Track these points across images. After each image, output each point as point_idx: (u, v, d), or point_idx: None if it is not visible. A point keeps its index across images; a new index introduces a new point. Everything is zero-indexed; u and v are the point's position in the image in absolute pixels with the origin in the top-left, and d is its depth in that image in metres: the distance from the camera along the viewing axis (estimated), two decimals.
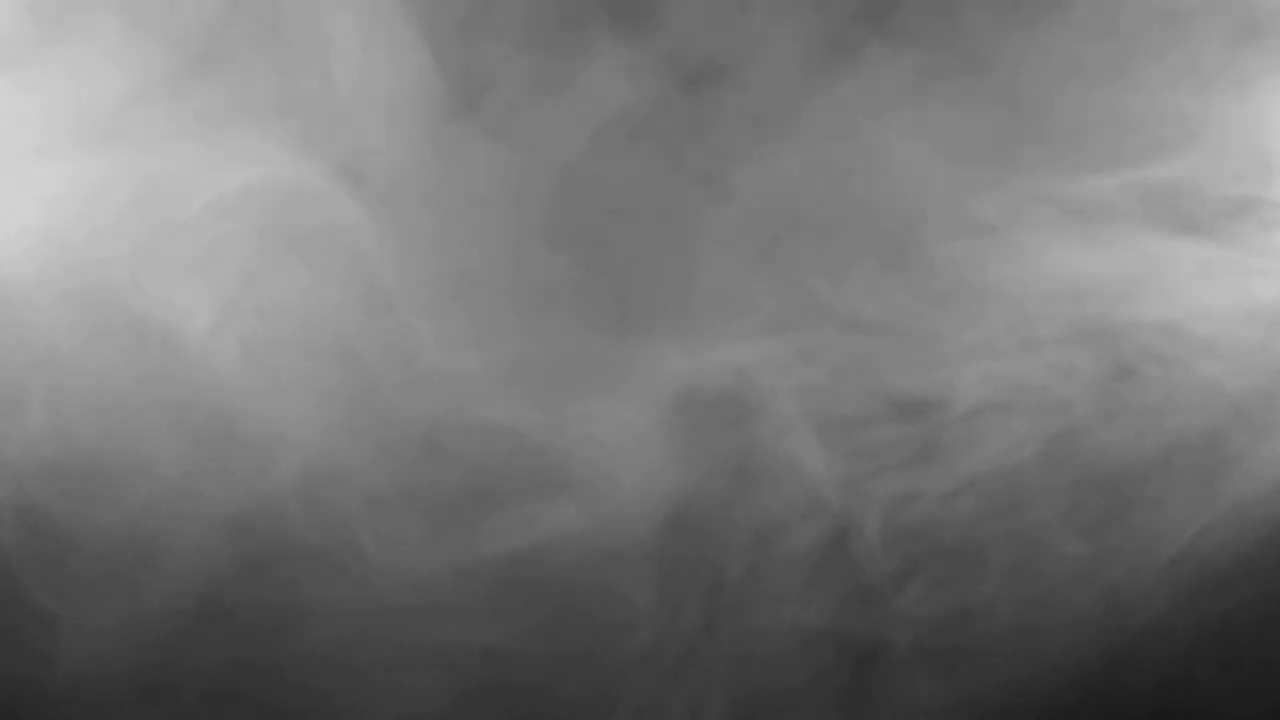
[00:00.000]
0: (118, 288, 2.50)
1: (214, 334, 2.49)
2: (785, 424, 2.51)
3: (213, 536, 2.48)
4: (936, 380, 2.51)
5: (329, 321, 2.52)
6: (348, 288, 2.53)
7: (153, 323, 2.50)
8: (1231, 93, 2.51)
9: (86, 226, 2.50)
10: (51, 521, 2.45)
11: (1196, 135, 2.52)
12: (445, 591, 2.50)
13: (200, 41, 2.54)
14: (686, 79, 2.58)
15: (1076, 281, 2.51)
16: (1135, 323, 2.49)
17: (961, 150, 2.54)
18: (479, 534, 2.50)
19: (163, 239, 2.51)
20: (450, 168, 2.56)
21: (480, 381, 2.51)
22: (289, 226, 2.52)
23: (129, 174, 2.51)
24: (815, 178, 2.56)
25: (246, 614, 2.49)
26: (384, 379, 2.52)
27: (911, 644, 2.48)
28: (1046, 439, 2.48)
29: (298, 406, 2.49)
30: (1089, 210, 2.52)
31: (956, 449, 2.49)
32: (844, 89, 2.56)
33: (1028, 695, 2.49)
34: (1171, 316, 2.48)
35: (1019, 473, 2.49)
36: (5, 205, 2.50)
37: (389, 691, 2.49)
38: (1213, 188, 2.50)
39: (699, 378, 2.52)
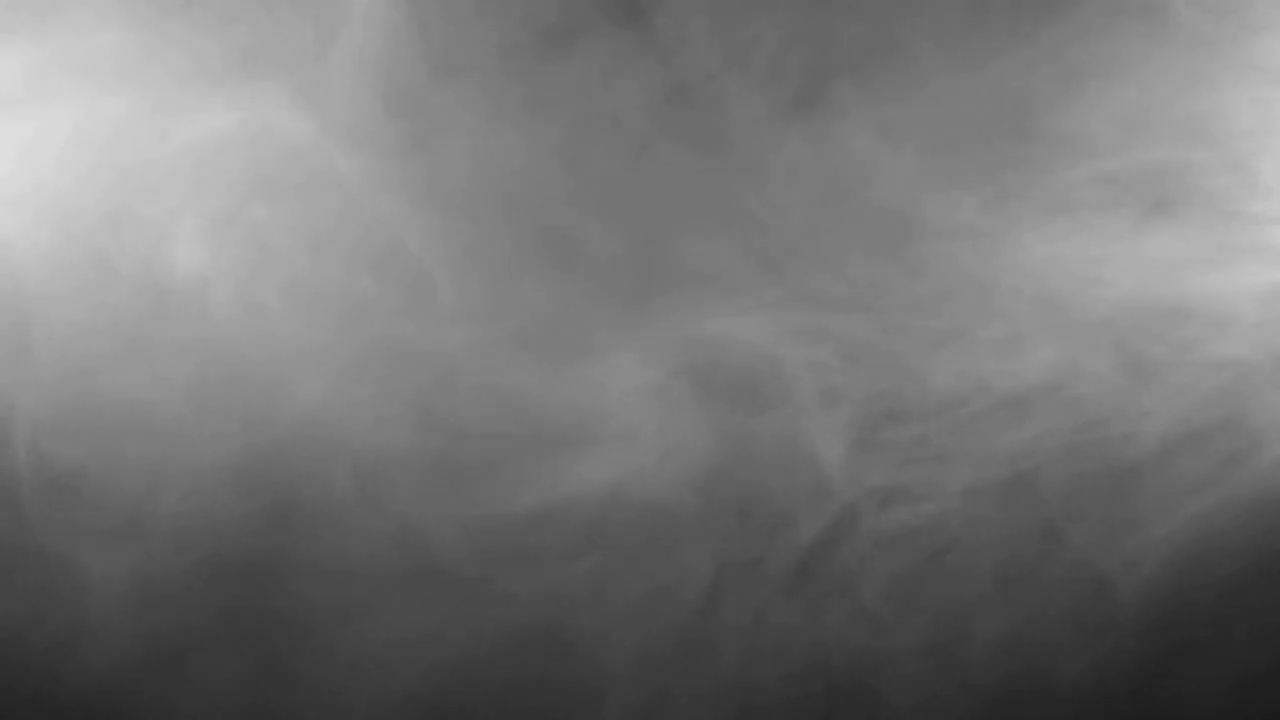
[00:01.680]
0: (109, 234, 2.50)
1: (208, 280, 2.51)
2: (795, 398, 2.51)
3: (218, 486, 2.49)
4: (943, 374, 2.50)
5: (325, 271, 2.52)
6: (344, 238, 2.53)
7: (149, 270, 2.50)
8: (1213, 90, 2.51)
9: (74, 174, 2.51)
10: (64, 472, 2.47)
11: (1183, 132, 2.51)
12: (449, 546, 2.50)
13: None
14: (682, 77, 2.58)
15: (1077, 273, 2.50)
16: (1142, 310, 2.49)
17: (952, 150, 2.54)
18: (482, 493, 2.50)
19: (154, 185, 2.52)
20: (445, 133, 2.55)
21: (485, 341, 2.51)
22: (283, 175, 2.53)
23: (118, 124, 2.51)
24: (812, 175, 2.56)
25: (249, 569, 2.49)
26: (386, 331, 2.51)
27: (902, 648, 2.48)
28: (1057, 432, 2.48)
29: (296, 356, 2.50)
30: (1084, 204, 2.51)
31: (966, 443, 2.49)
32: (836, 92, 2.57)
33: (1019, 693, 2.48)
34: (1178, 303, 2.48)
35: (1030, 468, 2.48)
36: None
37: (400, 650, 2.49)
38: (1204, 181, 2.50)
39: (705, 350, 2.52)
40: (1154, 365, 2.47)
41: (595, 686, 2.49)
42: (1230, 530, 2.46)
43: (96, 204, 2.52)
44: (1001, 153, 2.52)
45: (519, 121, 2.55)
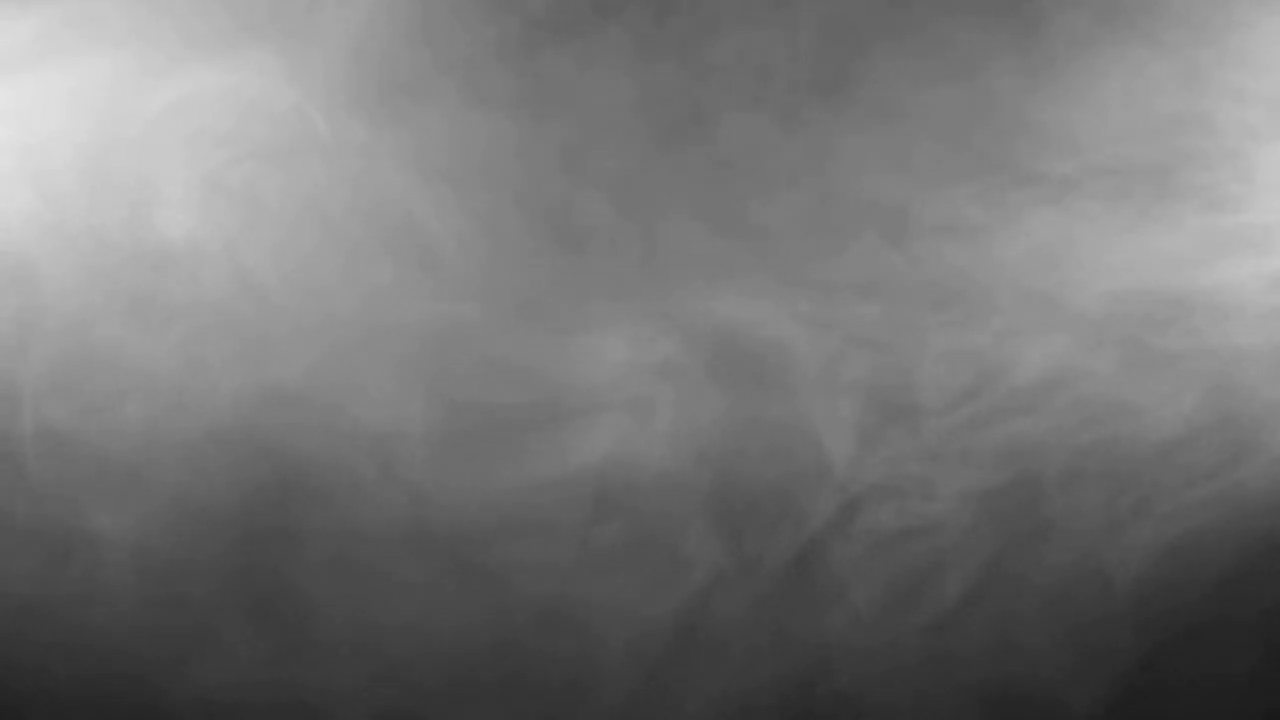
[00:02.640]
0: (97, 203, 2.49)
1: (200, 246, 2.49)
2: (799, 382, 2.50)
3: (221, 455, 2.49)
4: (943, 370, 2.50)
5: (327, 243, 2.50)
6: (347, 209, 2.51)
7: (147, 236, 2.49)
8: (1206, 84, 2.52)
9: (71, 140, 2.51)
10: (68, 444, 2.47)
11: (1178, 126, 2.53)
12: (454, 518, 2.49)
13: None
14: (686, 70, 2.57)
15: (1077, 267, 2.51)
16: (1142, 303, 2.49)
17: (949, 147, 2.54)
18: (487, 465, 2.48)
19: (148, 149, 2.51)
20: (444, 109, 2.53)
21: (487, 313, 2.49)
22: (280, 144, 2.51)
23: (115, 88, 2.50)
24: (812, 172, 2.55)
25: (251, 540, 2.48)
26: (389, 301, 2.49)
27: (900, 645, 2.47)
28: (1057, 429, 2.48)
29: (299, 329, 2.48)
30: (1082, 198, 2.52)
31: (965, 439, 2.48)
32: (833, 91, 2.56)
33: (1017, 692, 2.48)
34: (1178, 296, 2.48)
35: (1030, 464, 2.48)
36: None
37: (399, 630, 2.48)
38: (1201, 174, 2.51)
39: (708, 332, 2.52)
40: (1154, 359, 2.48)
41: (597, 666, 2.48)
42: (1229, 525, 2.47)
43: (94, 170, 2.50)
44: (999, 149, 2.52)
45: (515, 102, 2.54)
